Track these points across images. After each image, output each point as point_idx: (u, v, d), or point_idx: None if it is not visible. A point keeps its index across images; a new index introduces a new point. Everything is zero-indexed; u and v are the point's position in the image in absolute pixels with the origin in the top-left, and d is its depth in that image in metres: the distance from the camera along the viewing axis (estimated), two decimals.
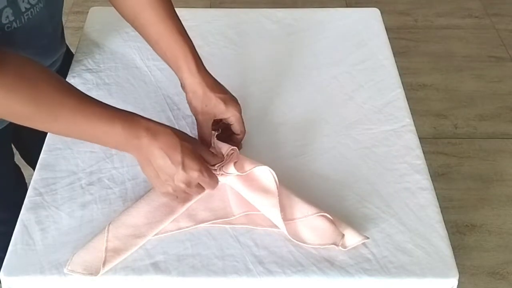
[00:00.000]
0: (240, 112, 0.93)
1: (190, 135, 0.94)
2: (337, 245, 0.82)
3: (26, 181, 1.30)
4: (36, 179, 0.93)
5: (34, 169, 0.96)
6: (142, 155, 0.82)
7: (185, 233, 0.86)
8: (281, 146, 0.99)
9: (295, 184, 0.92)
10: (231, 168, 0.87)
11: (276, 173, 0.90)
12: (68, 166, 0.95)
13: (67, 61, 1.15)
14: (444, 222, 0.88)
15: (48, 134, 1.00)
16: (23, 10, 0.88)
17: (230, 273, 0.81)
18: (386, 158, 0.97)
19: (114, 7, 1.01)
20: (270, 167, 0.93)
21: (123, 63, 1.15)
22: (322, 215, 0.85)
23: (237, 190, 0.88)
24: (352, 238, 0.84)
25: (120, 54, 1.17)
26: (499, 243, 1.82)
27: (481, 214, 1.89)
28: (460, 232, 1.84)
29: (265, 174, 0.86)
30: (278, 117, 1.05)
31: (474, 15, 2.71)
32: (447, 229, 0.88)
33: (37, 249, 0.83)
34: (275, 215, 0.84)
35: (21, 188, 1.24)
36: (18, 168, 1.27)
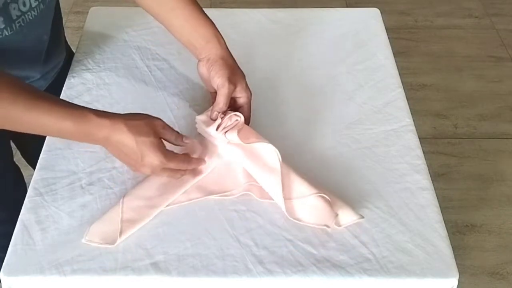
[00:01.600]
0: (251, 97, 0.98)
1: (190, 135, 0.94)
2: (328, 227, 0.85)
3: (26, 181, 1.30)
4: (36, 179, 0.93)
5: (34, 169, 0.96)
6: (104, 147, 0.87)
7: (185, 233, 0.86)
8: (281, 146, 0.99)
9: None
10: (234, 136, 0.90)
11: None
12: (68, 166, 0.95)
13: (68, 61, 1.15)
14: (444, 222, 0.88)
15: None
16: (14, 17, 0.88)
17: (230, 273, 0.81)
18: (386, 158, 0.97)
19: None
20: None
21: (123, 63, 1.15)
22: (319, 195, 0.87)
23: (241, 163, 0.92)
24: (347, 216, 0.86)
25: (120, 54, 1.17)
26: (499, 243, 1.82)
27: (481, 214, 1.89)
28: (460, 232, 1.84)
29: (269, 153, 0.89)
30: (278, 117, 1.05)
31: (474, 15, 2.71)
32: (447, 229, 0.88)
33: (37, 249, 0.83)
34: (276, 193, 0.87)
35: (20, 187, 1.24)
36: (17, 168, 1.27)
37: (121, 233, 0.84)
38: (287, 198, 0.87)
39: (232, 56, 0.98)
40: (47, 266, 0.81)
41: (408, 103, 1.08)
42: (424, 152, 0.99)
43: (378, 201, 0.90)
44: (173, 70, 1.13)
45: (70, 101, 1.05)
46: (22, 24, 0.90)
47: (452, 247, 0.85)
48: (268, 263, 0.82)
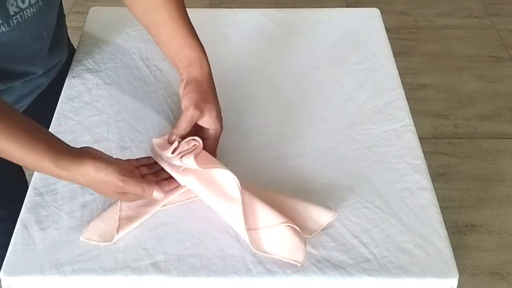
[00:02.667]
0: (220, 132, 0.93)
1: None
2: (299, 263, 0.81)
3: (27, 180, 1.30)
4: (36, 179, 0.93)
5: None
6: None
7: (185, 233, 0.86)
8: (281, 146, 0.99)
9: (294, 184, 0.92)
10: (190, 160, 0.85)
11: (275, 174, 0.90)
12: None
13: (70, 59, 1.15)
14: (444, 222, 0.88)
15: None
16: (12, 13, 0.88)
17: (230, 273, 0.81)
18: (386, 158, 0.97)
19: (126, 5, 1.01)
20: (269, 167, 0.94)
21: (123, 63, 1.15)
22: (287, 225, 0.83)
23: (199, 195, 0.87)
24: (322, 218, 0.85)
25: (120, 54, 1.17)
26: (499, 243, 1.82)
27: (481, 214, 1.89)
28: (460, 232, 1.84)
29: (228, 180, 0.85)
30: (278, 117, 1.05)
31: (474, 15, 2.72)
32: (447, 229, 0.88)
33: (37, 249, 0.83)
34: (238, 223, 0.83)
35: (22, 185, 1.23)
36: (19, 165, 1.27)
37: (118, 230, 0.84)
38: (252, 228, 0.83)
39: (211, 83, 0.93)
40: (47, 266, 0.81)
41: (408, 103, 1.08)
42: (424, 152, 0.99)
43: (378, 201, 0.90)
44: (173, 70, 1.13)
45: (68, 102, 1.06)
46: (20, 21, 0.89)
47: (452, 247, 0.85)
48: (268, 263, 0.82)
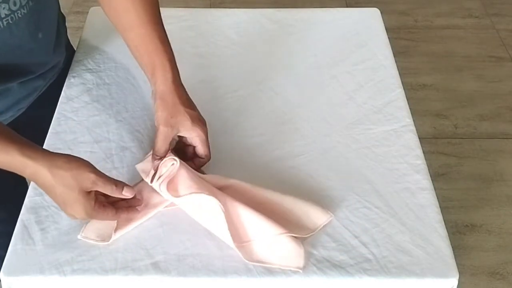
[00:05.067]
0: (206, 134, 0.90)
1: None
2: (301, 269, 0.81)
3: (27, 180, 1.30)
4: None
5: None
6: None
7: (185, 233, 0.86)
8: (281, 146, 0.99)
9: (294, 184, 0.92)
10: (164, 191, 0.85)
11: (275, 174, 0.90)
12: None
13: (69, 61, 1.15)
14: (444, 222, 0.88)
15: (48, 134, 1.00)
16: (3, 16, 0.87)
17: (230, 273, 0.81)
18: (386, 158, 0.97)
19: (101, 7, 0.99)
20: (269, 167, 0.94)
21: (123, 63, 1.15)
22: (284, 233, 0.83)
23: (186, 211, 0.87)
24: (319, 219, 0.85)
25: (120, 54, 1.17)
26: (499, 243, 1.82)
27: (481, 214, 1.89)
28: (460, 232, 1.84)
29: (210, 203, 0.84)
30: (278, 117, 1.05)
31: (474, 15, 2.72)
32: (447, 229, 0.88)
33: (37, 249, 0.83)
34: (227, 239, 0.82)
35: (21, 186, 1.23)
36: None
37: (116, 229, 0.84)
38: (244, 241, 0.83)
39: (178, 90, 0.89)
40: (47, 266, 0.81)
41: (408, 103, 1.08)
42: (424, 152, 0.99)
43: (378, 201, 0.90)
44: None
45: (69, 102, 1.06)
46: (10, 22, 0.89)
47: (452, 247, 0.85)
48: None
